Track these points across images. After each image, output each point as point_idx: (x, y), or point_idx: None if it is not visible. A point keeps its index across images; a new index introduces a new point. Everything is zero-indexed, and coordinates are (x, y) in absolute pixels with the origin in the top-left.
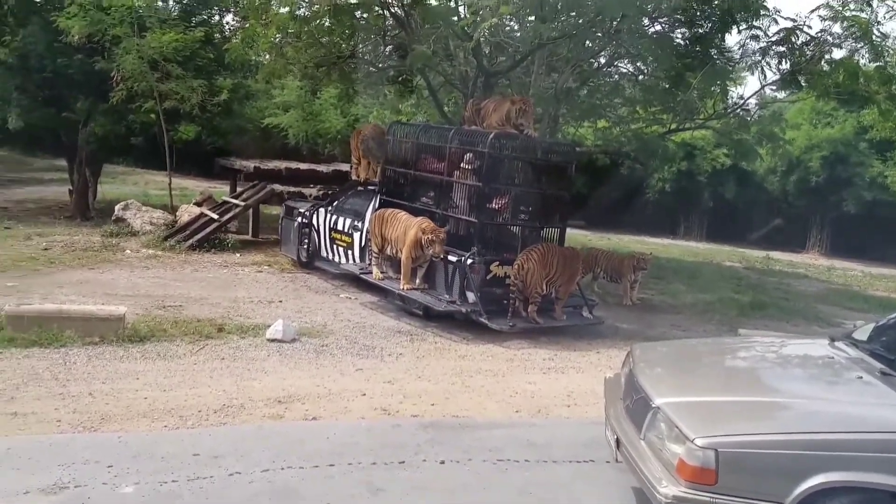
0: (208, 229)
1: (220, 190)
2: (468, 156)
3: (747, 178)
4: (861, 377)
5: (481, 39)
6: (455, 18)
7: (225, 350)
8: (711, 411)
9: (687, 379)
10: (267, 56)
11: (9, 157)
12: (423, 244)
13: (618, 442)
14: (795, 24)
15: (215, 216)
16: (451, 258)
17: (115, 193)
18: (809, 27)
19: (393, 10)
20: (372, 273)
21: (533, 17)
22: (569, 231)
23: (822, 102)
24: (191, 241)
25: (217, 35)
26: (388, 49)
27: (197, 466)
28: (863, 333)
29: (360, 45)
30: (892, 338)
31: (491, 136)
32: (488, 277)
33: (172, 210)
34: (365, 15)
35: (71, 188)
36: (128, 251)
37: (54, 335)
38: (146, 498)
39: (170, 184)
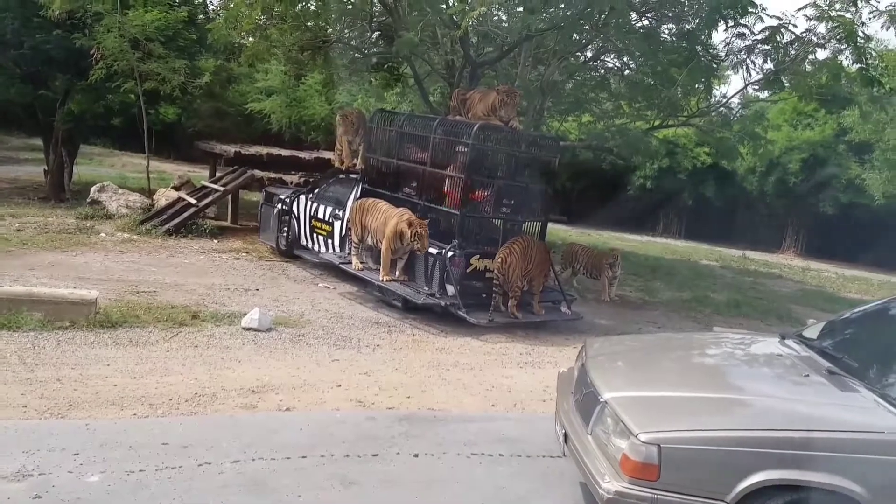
0: (186, 214)
1: (200, 174)
2: (458, 147)
3: (727, 177)
4: (808, 375)
5: (469, 28)
6: (443, 6)
7: (199, 338)
8: (657, 407)
9: (636, 374)
10: (250, 38)
11: None
12: (407, 237)
13: (566, 436)
14: (781, 22)
15: (193, 201)
16: (432, 250)
17: (92, 175)
18: (795, 26)
19: None
20: (351, 263)
21: (521, 8)
22: (550, 226)
23: (803, 103)
24: (167, 226)
25: (200, 15)
26: (374, 35)
27: (165, 456)
28: (813, 332)
29: (346, 30)
30: (840, 336)
31: (475, 127)
32: (468, 271)
33: (150, 194)
34: None
35: (46, 168)
36: (102, 234)
37: (23, 318)
38: (112, 487)
39: (147, 167)
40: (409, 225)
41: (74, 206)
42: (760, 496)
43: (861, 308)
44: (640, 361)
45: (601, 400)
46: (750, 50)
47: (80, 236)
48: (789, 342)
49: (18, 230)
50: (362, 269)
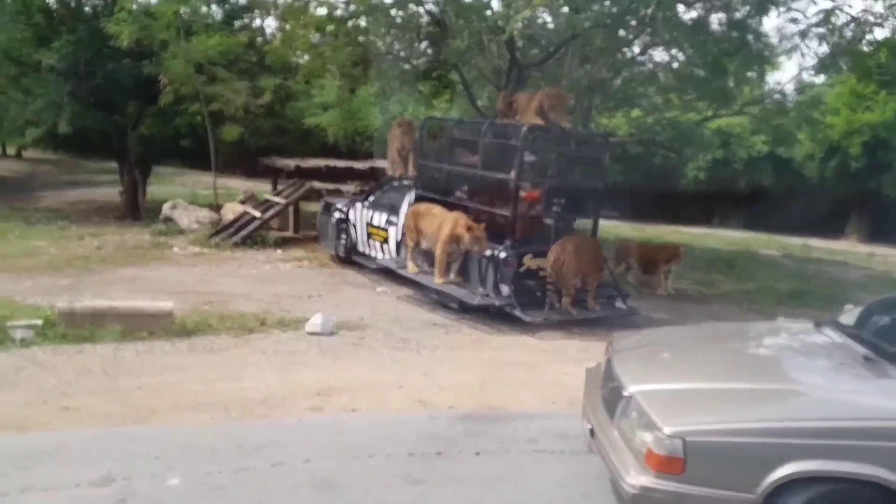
0: (251, 227)
1: (263, 188)
2: (508, 149)
3: (785, 164)
4: (842, 363)
5: (514, 32)
6: (488, 12)
7: (267, 343)
8: (683, 399)
9: (662, 366)
10: (306, 56)
11: (62, 160)
12: (466, 241)
13: (592, 431)
14: (835, 4)
15: (258, 214)
16: (485, 252)
17: (164, 194)
18: (850, 6)
19: (427, 7)
20: (407, 267)
21: (566, 8)
22: (602, 222)
23: (862, 85)
24: (235, 239)
25: (259, 38)
26: (422, 45)
27: (240, 458)
28: (849, 318)
29: (396, 43)
30: (877, 322)
31: (524, 128)
32: (521, 270)
33: (217, 209)
34: (400, 12)
35: (121, 189)
36: (175, 249)
37: (105, 331)
38: (192, 489)
39: (215, 183)
40: (468, 229)
41: (148, 223)
42: (791, 489)
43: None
44: (667, 354)
45: (626, 394)
46: (804, 34)
47: (154, 252)
48: (825, 329)
49: (98, 248)
50: (418, 273)
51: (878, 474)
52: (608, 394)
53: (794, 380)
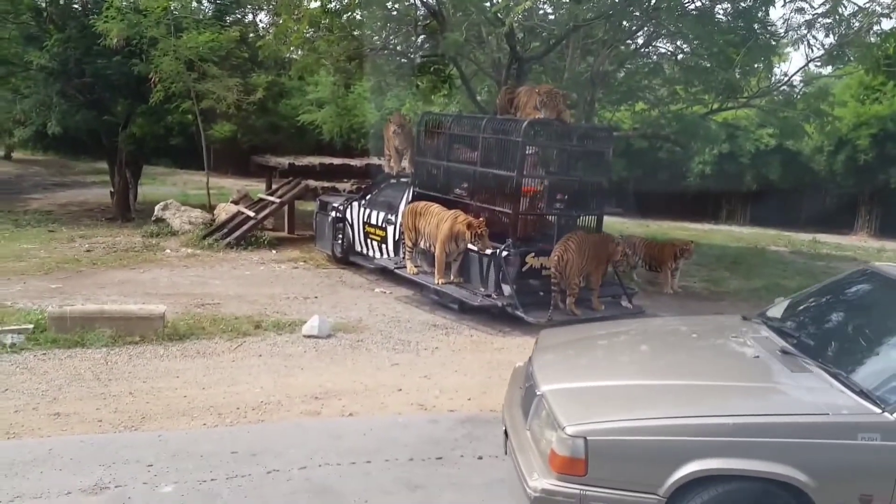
0: (245, 227)
1: (257, 188)
2: (508, 145)
3: (793, 158)
4: (758, 356)
5: (514, 24)
6: (487, 4)
7: (262, 347)
8: (589, 397)
9: (576, 364)
10: (299, 52)
11: (52, 161)
12: (467, 239)
13: (506, 433)
14: None
15: (252, 214)
16: (486, 251)
17: (155, 194)
18: None
19: None
20: (406, 267)
21: None
22: (606, 218)
23: (870, 77)
24: (228, 240)
25: (251, 34)
26: (419, 39)
27: (235, 464)
28: (777, 310)
29: (392, 37)
30: (801, 315)
31: (525, 123)
32: (524, 269)
33: (210, 209)
34: (396, 5)
35: (112, 190)
36: (168, 251)
37: (96, 335)
38: (185, 497)
39: (207, 183)
40: (468, 226)
41: (140, 224)
42: (695, 488)
43: (824, 283)
44: (585, 351)
45: (538, 393)
46: (810, 25)
47: (146, 253)
48: (751, 323)
49: (88, 250)
50: (417, 273)
51: (783, 472)
52: (525, 393)
53: (703, 375)
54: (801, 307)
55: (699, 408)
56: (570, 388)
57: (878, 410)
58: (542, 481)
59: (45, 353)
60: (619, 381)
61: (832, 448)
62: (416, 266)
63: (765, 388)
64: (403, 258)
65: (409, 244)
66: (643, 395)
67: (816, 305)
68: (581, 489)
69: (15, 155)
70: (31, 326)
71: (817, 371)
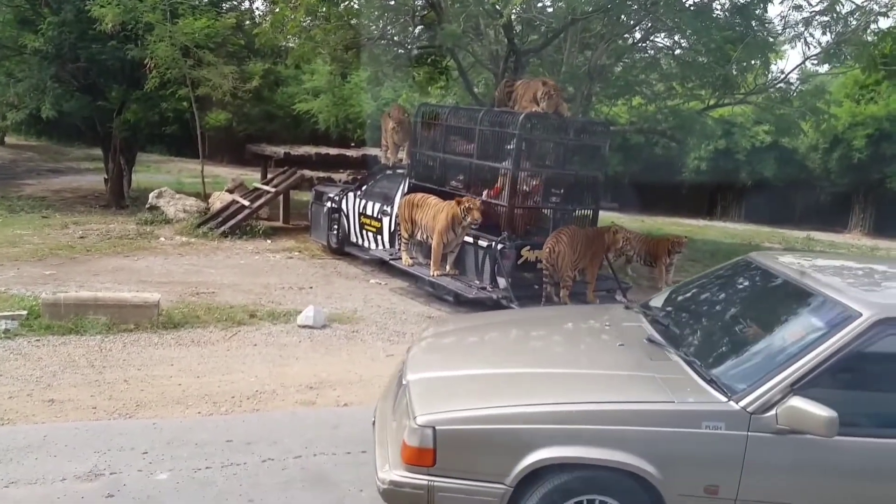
0: (240, 216)
1: (252, 177)
2: (505, 137)
3: (788, 156)
4: (622, 345)
5: (512, 16)
6: None
7: (257, 336)
8: (444, 387)
9: (445, 353)
10: (296, 40)
11: (46, 146)
12: (459, 216)
13: (374, 424)
14: None
15: (247, 203)
16: (482, 243)
17: (149, 182)
18: None
19: None
20: (402, 259)
21: None
22: (602, 213)
23: (865, 76)
24: (223, 228)
25: (247, 21)
26: (417, 30)
27: (230, 453)
28: (658, 300)
29: (389, 27)
30: (677, 304)
31: (522, 116)
32: (519, 262)
33: (205, 197)
34: None
35: (106, 177)
36: (162, 239)
37: (90, 322)
38: (180, 484)
39: (202, 171)
40: (458, 203)
41: (134, 212)
42: (542, 477)
43: (705, 273)
44: (460, 340)
45: (403, 382)
46: (808, 22)
47: (140, 241)
48: (632, 312)
49: (82, 237)
50: (413, 265)
51: (628, 461)
52: (397, 384)
53: (562, 364)
54: (679, 297)
55: (547, 396)
56: (431, 377)
57: (724, 399)
58: (392, 473)
59: (38, 340)
60: (478, 370)
61: (677, 437)
62: (411, 258)
63: (619, 376)
64: (399, 250)
65: (405, 236)
66: (497, 383)
67: (692, 295)
68: (429, 480)
69: (8, 140)
70: (24, 313)
71: (675, 360)
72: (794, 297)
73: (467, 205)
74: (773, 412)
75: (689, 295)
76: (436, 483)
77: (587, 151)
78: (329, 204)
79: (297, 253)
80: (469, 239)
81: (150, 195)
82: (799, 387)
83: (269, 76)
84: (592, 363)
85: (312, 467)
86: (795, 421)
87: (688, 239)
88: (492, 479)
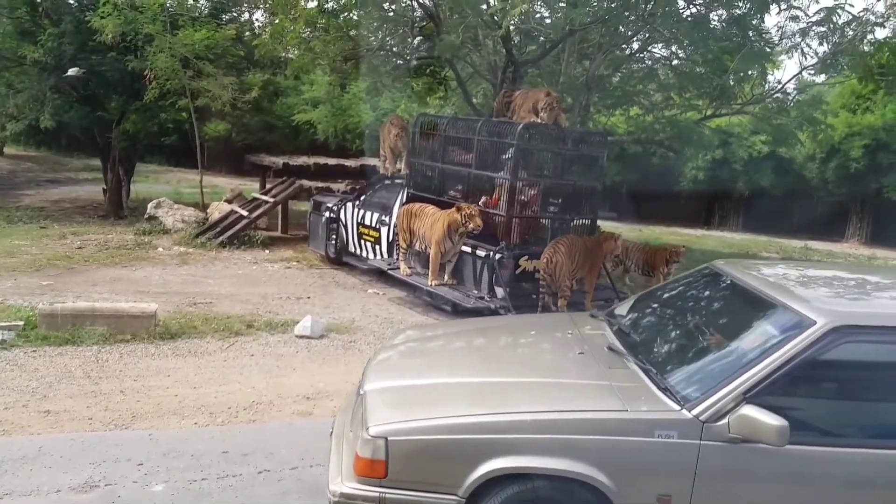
0: (238, 226)
1: (250, 187)
2: (503, 148)
3: (785, 165)
4: (582, 353)
5: (510, 27)
6: (483, 7)
7: (254, 346)
8: (399, 397)
9: (404, 362)
10: (295, 51)
11: (45, 157)
12: (459, 223)
13: (331, 434)
14: (837, 2)
15: (245, 213)
16: (480, 253)
17: (148, 192)
18: (851, 6)
19: (420, 1)
20: (400, 269)
21: (564, 3)
22: (600, 222)
23: (861, 86)
24: (221, 238)
25: (247, 32)
26: (416, 41)
27: (226, 464)
28: (623, 308)
29: (388, 38)
30: (641, 312)
31: (520, 126)
32: (518, 272)
33: (203, 207)
34: (392, 6)
35: (105, 187)
36: (160, 249)
37: (87, 333)
38: (176, 496)
39: (201, 181)
40: (458, 210)
41: (132, 222)
42: (494, 487)
43: (669, 281)
44: (420, 349)
45: (360, 392)
46: (804, 33)
47: (138, 251)
48: (597, 320)
49: (80, 248)
50: (411, 275)
51: (580, 471)
52: (356, 394)
53: (519, 373)
54: (643, 305)
55: (501, 405)
56: (387, 386)
57: (677, 407)
58: (343, 485)
59: (35, 351)
60: (435, 380)
61: (629, 446)
62: (409, 267)
63: (574, 384)
64: (397, 259)
65: (404, 245)
66: (452, 393)
67: (656, 303)
68: (381, 492)
69: (7, 150)
70: (21, 323)
71: (633, 368)
72: (754, 305)
73: (468, 212)
74: (725, 421)
75: (652, 303)
76: (388, 495)
77: (585, 161)
78: (327, 214)
79: (295, 263)
80: (467, 249)
81: (149, 205)
82: (752, 395)
83: (269, 87)
84: (549, 372)
85: (309, 479)
86: (747, 430)
87: (685, 248)
88: (444, 490)
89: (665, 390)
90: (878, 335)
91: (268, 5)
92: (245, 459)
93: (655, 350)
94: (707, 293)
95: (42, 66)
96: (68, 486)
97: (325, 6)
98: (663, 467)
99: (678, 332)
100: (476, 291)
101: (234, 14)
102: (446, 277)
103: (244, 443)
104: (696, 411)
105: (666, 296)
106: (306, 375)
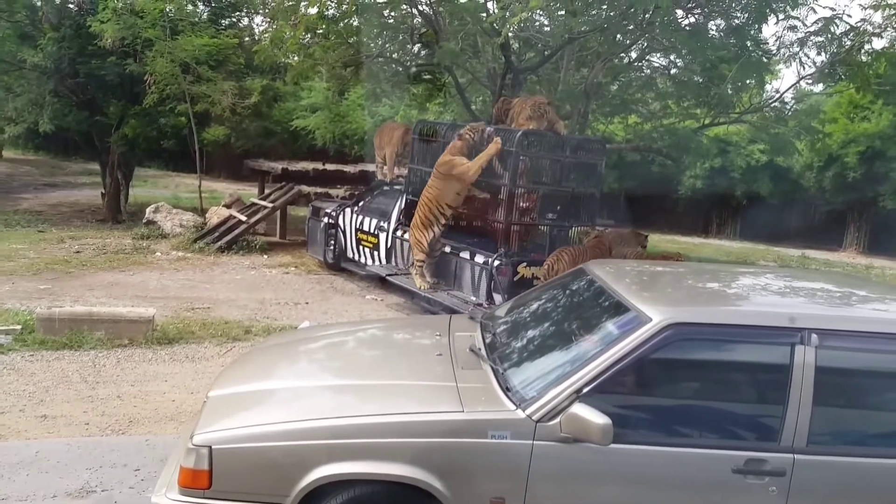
0: (236, 231)
1: (249, 192)
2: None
3: (783, 174)
4: (440, 354)
5: (510, 35)
6: (483, 14)
7: None
8: (232, 403)
9: (254, 367)
10: (295, 57)
11: (43, 161)
12: (471, 139)
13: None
14: (835, 13)
15: (243, 218)
16: (478, 259)
17: (147, 196)
18: (849, 16)
19: (420, 8)
20: (396, 274)
21: (563, 11)
22: (598, 230)
23: (860, 95)
24: (219, 244)
25: (246, 37)
26: (416, 48)
27: None
28: (502, 309)
29: (388, 44)
30: (513, 313)
31: (519, 133)
32: (516, 279)
33: (202, 212)
34: (392, 13)
35: (103, 191)
36: (158, 253)
37: (84, 337)
38: None
39: (199, 186)
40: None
41: (131, 226)
42: (324, 495)
43: (546, 283)
44: (276, 353)
45: (205, 399)
46: (802, 42)
47: (136, 256)
48: (473, 321)
49: (78, 252)
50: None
51: (411, 475)
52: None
53: (367, 375)
54: (517, 306)
55: (333, 409)
56: (228, 393)
57: (513, 407)
58: (163, 497)
59: (32, 355)
60: (275, 385)
61: (462, 448)
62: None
63: (418, 386)
64: (395, 265)
65: (421, 257)
66: (286, 398)
67: (528, 304)
68: (202, 503)
69: (5, 154)
70: (19, 327)
71: (486, 369)
72: (605, 305)
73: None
74: (557, 420)
75: (526, 304)
76: None
77: (583, 169)
78: (326, 219)
79: (293, 268)
80: (465, 255)
81: (147, 210)
82: (584, 394)
83: (268, 92)
84: (398, 374)
85: None
86: (576, 428)
87: (683, 256)
88: (271, 500)
89: (507, 390)
90: (713, 333)
91: (267, 11)
92: None
93: (509, 351)
94: (573, 294)
95: (41, 70)
96: (65, 492)
97: (326, 13)
98: (497, 469)
99: (536, 332)
100: (474, 298)
101: (234, 19)
102: (428, 276)
103: None
104: (529, 411)
105: (539, 297)
106: None
